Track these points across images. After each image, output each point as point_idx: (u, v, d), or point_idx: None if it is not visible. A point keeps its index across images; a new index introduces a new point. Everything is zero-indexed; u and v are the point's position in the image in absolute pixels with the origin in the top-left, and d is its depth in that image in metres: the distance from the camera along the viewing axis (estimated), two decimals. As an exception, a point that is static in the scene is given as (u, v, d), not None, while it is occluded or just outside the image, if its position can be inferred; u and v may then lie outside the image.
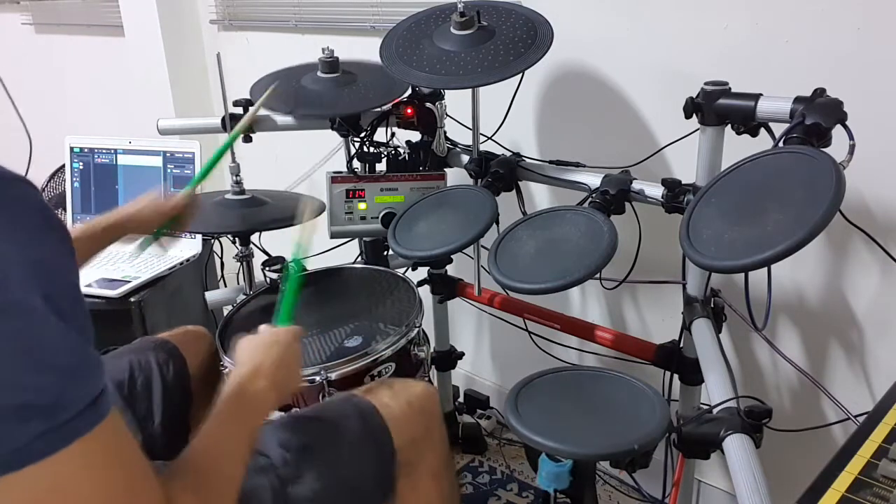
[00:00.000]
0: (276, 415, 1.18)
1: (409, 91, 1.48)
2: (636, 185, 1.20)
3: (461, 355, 1.79)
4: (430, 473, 1.08)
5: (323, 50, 1.49)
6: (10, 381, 0.51)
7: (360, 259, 1.65)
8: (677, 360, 1.27)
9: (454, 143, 1.52)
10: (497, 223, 1.25)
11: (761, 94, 1.03)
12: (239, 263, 1.52)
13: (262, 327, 0.94)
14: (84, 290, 0.79)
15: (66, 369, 0.54)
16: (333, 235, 1.49)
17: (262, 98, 1.38)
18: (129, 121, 2.56)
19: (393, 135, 1.54)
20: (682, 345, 1.27)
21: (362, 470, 0.97)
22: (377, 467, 0.98)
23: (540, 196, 1.67)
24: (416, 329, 1.28)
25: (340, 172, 1.49)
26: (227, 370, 1.18)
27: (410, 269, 1.62)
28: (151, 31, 2.35)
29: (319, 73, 1.49)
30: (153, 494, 0.61)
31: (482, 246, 1.40)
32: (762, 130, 1.05)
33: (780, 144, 0.96)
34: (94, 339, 0.58)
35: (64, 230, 0.57)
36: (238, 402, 0.80)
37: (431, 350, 1.45)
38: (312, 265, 1.52)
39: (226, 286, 1.95)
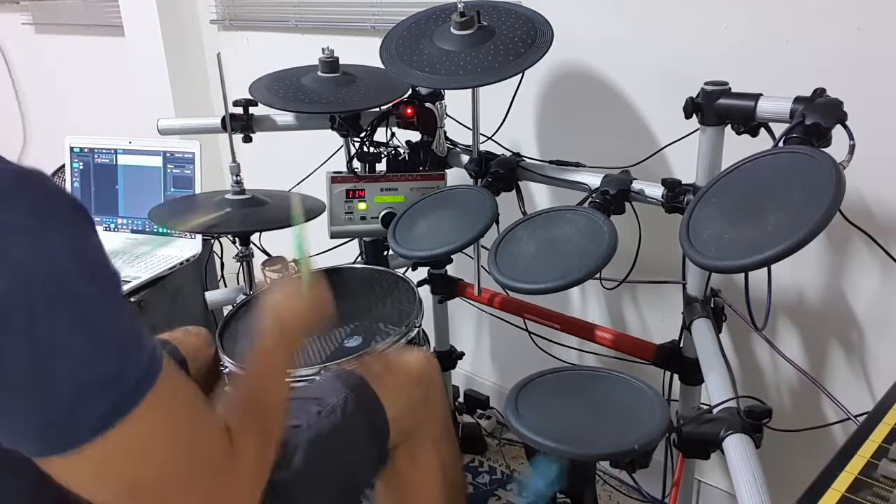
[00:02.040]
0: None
1: (409, 91, 1.48)
2: (636, 185, 1.20)
3: (461, 355, 1.79)
4: (430, 440, 1.08)
5: (323, 50, 1.49)
6: (84, 361, 0.56)
7: (360, 259, 1.65)
8: (677, 360, 1.27)
9: (454, 143, 1.52)
10: (497, 223, 1.25)
11: (761, 94, 1.03)
12: (239, 263, 1.52)
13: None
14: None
15: (124, 339, 0.59)
16: (333, 235, 1.49)
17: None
18: (129, 121, 2.56)
19: (393, 135, 1.54)
20: (682, 345, 1.27)
21: (353, 447, 0.97)
22: (369, 442, 0.98)
23: (540, 196, 1.67)
24: (416, 329, 1.28)
25: (340, 172, 1.49)
26: (227, 370, 1.18)
27: (410, 269, 1.62)
28: (151, 31, 2.34)
29: (319, 73, 1.49)
30: (218, 432, 0.67)
31: (482, 246, 1.40)
32: (762, 130, 1.05)
33: (780, 144, 0.96)
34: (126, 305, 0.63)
35: (85, 210, 0.61)
36: (278, 334, 0.85)
37: (431, 350, 1.45)
38: (312, 265, 1.52)
39: (226, 286, 1.95)
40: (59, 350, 0.55)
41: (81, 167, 1.83)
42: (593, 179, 1.25)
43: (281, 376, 0.84)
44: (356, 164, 1.54)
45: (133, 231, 1.82)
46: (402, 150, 1.53)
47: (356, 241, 1.63)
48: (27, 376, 0.54)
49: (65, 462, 0.57)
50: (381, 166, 1.53)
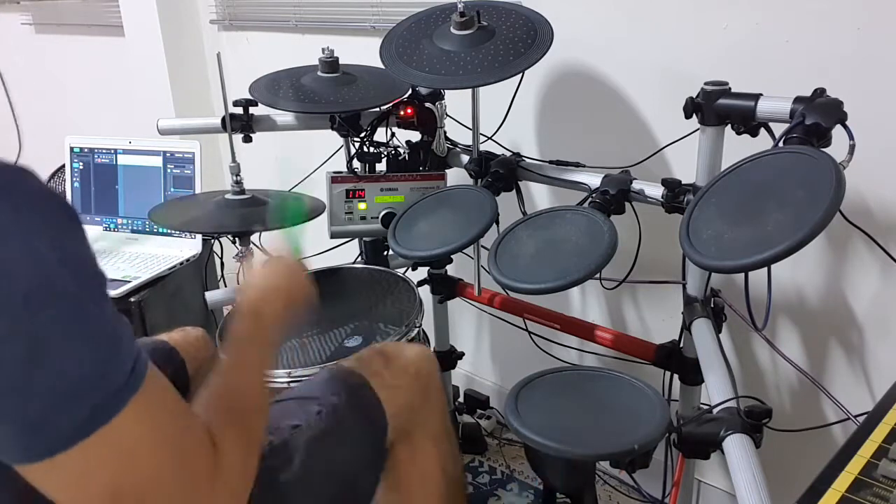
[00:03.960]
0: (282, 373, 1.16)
1: (409, 91, 1.48)
2: (636, 185, 1.20)
3: (461, 355, 1.79)
4: (429, 437, 1.08)
5: (323, 50, 1.49)
6: (66, 362, 0.55)
7: (360, 259, 1.65)
8: (677, 360, 1.27)
9: (454, 143, 1.52)
10: (497, 223, 1.25)
11: (761, 94, 1.03)
12: (239, 263, 1.52)
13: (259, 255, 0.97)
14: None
15: (109, 341, 0.59)
16: (333, 235, 1.49)
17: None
18: (129, 121, 2.56)
19: (393, 135, 1.54)
20: (682, 345, 1.27)
21: (354, 448, 0.96)
22: (370, 442, 0.98)
23: (540, 196, 1.67)
24: (416, 329, 1.28)
25: (340, 172, 1.49)
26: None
27: (410, 269, 1.62)
28: (151, 31, 2.35)
29: (319, 73, 1.49)
30: (202, 434, 0.66)
31: (482, 246, 1.40)
32: (762, 130, 1.05)
33: (780, 144, 0.96)
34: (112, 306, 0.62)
35: (71, 209, 0.60)
36: (255, 326, 0.84)
37: (431, 350, 1.44)
38: (312, 265, 1.52)
39: (226, 286, 1.95)
40: (42, 351, 0.54)
41: (81, 167, 1.83)
42: (593, 179, 1.25)
43: (259, 373, 0.81)
44: (356, 164, 1.54)
45: (133, 231, 1.82)
46: (402, 150, 1.53)
47: (356, 241, 1.63)
48: (8, 379, 0.53)
49: (46, 468, 0.56)
50: (381, 166, 1.53)
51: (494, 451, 1.88)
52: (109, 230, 1.83)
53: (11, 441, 0.56)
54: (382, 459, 1.02)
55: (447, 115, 1.49)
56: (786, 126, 0.98)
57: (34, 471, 0.57)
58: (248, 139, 1.59)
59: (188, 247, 1.76)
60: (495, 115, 1.47)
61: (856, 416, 1.08)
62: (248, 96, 1.51)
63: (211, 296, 1.71)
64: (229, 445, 0.69)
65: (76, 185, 1.83)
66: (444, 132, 1.48)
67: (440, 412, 1.11)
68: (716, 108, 1.06)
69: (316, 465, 0.91)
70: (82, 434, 0.56)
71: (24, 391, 0.54)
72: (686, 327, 1.20)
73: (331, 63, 1.49)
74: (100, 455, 0.57)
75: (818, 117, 0.94)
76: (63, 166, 1.88)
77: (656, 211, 1.18)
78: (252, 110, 1.57)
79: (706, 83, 1.07)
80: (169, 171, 1.76)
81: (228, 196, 1.43)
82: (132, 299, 1.58)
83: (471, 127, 1.41)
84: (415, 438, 1.05)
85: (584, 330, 1.45)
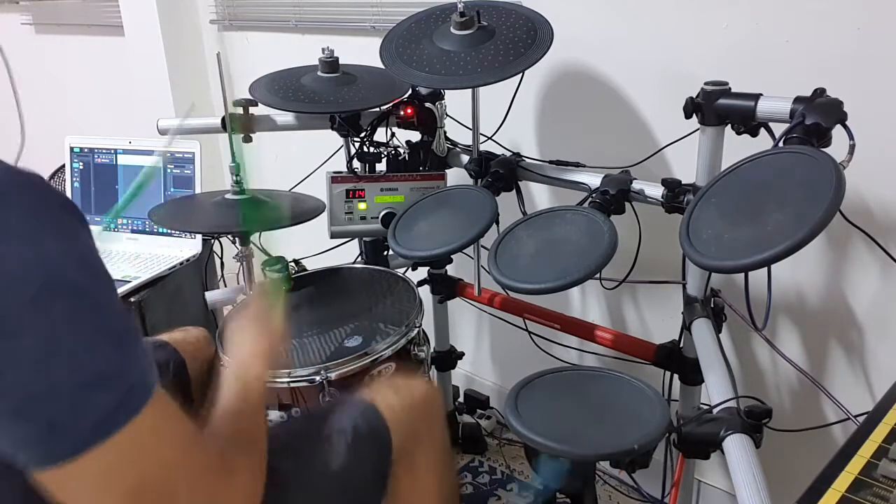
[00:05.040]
0: (276, 415, 1.18)
1: (409, 91, 1.48)
2: (636, 185, 1.20)
3: (461, 355, 1.79)
4: (431, 470, 1.08)
5: (323, 50, 1.49)
6: (85, 355, 0.56)
7: (360, 259, 1.65)
8: (677, 360, 1.27)
9: (454, 143, 1.52)
10: (497, 223, 1.25)
11: (761, 94, 1.03)
12: (239, 263, 1.52)
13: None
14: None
15: (124, 342, 0.59)
16: (333, 235, 1.49)
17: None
18: (129, 121, 2.56)
19: (393, 135, 1.54)
20: (682, 345, 1.27)
21: (362, 470, 0.97)
22: (376, 466, 0.99)
23: (540, 196, 1.67)
24: (416, 329, 1.28)
25: (340, 172, 1.49)
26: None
27: (410, 269, 1.62)
28: (151, 31, 2.34)
29: (319, 73, 1.49)
30: (208, 443, 0.68)
31: (482, 246, 1.40)
32: (762, 130, 1.05)
33: (780, 144, 0.96)
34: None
35: (79, 212, 0.61)
36: (244, 386, 0.85)
37: (431, 350, 1.45)
38: (312, 265, 1.52)
39: (226, 286, 1.95)
40: (58, 346, 0.54)
41: (81, 167, 1.83)
42: (593, 179, 1.25)
43: (258, 413, 0.83)
44: (356, 164, 1.54)
45: (133, 231, 1.82)
46: (402, 150, 1.53)
47: (356, 241, 1.63)
48: (27, 375, 0.53)
49: (67, 472, 0.55)
50: (381, 166, 1.53)
51: (494, 451, 1.88)
52: (109, 230, 1.83)
53: (33, 444, 0.55)
54: (385, 482, 1.02)
55: (447, 115, 1.49)
56: (786, 126, 0.98)
57: (54, 476, 0.56)
58: (248, 139, 1.59)
59: (188, 247, 1.76)
60: (495, 115, 1.47)
61: (856, 416, 1.08)
62: (248, 96, 1.51)
63: (211, 296, 1.71)
64: (240, 463, 0.70)
65: (76, 185, 1.83)
66: (444, 132, 1.48)
67: (442, 447, 1.12)
68: (716, 108, 1.06)
69: (324, 482, 0.92)
70: (107, 430, 0.56)
71: (44, 387, 0.54)
72: (686, 327, 1.20)
73: (331, 63, 1.49)
74: (122, 453, 0.58)
75: (818, 117, 0.94)
76: (63, 166, 1.88)
77: (656, 211, 1.18)
78: (252, 110, 1.57)
79: (706, 83, 1.07)
80: (169, 171, 1.76)
81: (228, 196, 1.43)
82: (132, 299, 1.58)
83: (471, 127, 1.41)
84: (417, 471, 1.06)
85: (584, 330, 1.45)
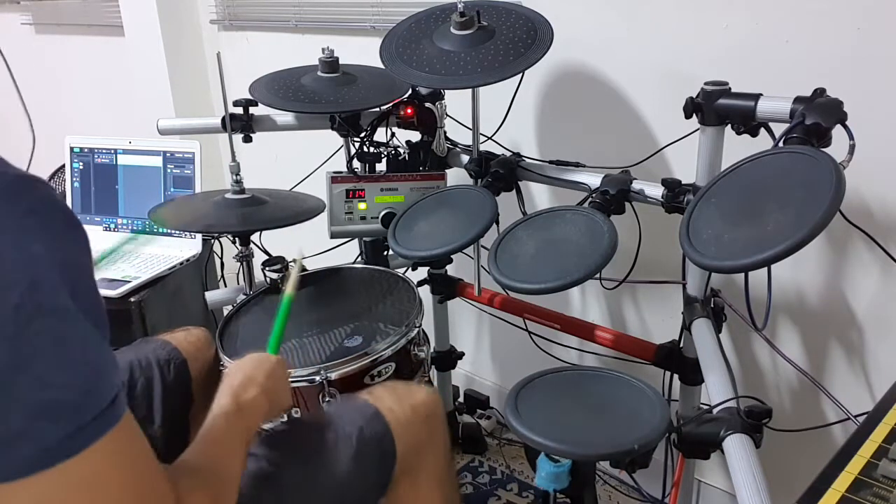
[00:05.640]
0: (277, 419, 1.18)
1: (409, 91, 1.48)
2: (636, 185, 1.20)
3: (461, 355, 1.79)
4: (433, 478, 1.08)
5: (323, 50, 1.49)
6: (43, 379, 0.53)
7: (360, 259, 1.65)
8: (677, 360, 1.27)
9: (454, 143, 1.52)
10: (497, 223, 1.25)
11: (761, 94, 1.03)
12: (239, 263, 1.52)
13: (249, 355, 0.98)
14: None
15: (92, 367, 0.57)
16: (333, 235, 1.49)
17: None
18: (129, 121, 2.56)
19: (393, 135, 1.54)
20: (682, 345, 1.27)
21: (364, 478, 0.97)
22: (378, 472, 0.98)
23: (540, 196, 1.67)
24: (416, 329, 1.28)
25: (340, 172, 1.49)
26: (227, 371, 1.18)
27: (410, 269, 1.62)
28: (151, 31, 2.35)
29: (319, 73, 1.49)
30: (167, 488, 0.64)
31: (482, 246, 1.40)
32: (762, 130, 1.05)
33: (780, 144, 0.96)
34: (109, 337, 0.60)
35: (81, 227, 0.59)
36: (232, 407, 0.84)
37: (431, 350, 1.45)
38: (312, 265, 1.52)
39: (226, 286, 1.95)
40: (27, 360, 0.52)
41: (81, 167, 1.83)
42: (593, 179, 1.25)
43: (236, 449, 0.81)
44: (356, 164, 1.54)
45: (133, 231, 1.82)
46: (402, 150, 1.53)
47: (356, 241, 1.63)
48: None
49: (5, 490, 0.53)
50: (381, 166, 1.53)
51: (494, 451, 1.88)
52: (109, 230, 1.83)
53: None
54: (385, 492, 1.02)
55: (447, 115, 1.49)
56: (786, 126, 0.97)
57: None
58: (248, 139, 1.59)
59: (188, 247, 1.76)
60: (495, 115, 1.47)
61: (856, 416, 1.08)
62: (248, 96, 1.51)
63: (211, 296, 1.72)
64: (193, 501, 0.67)
65: (76, 185, 1.83)
66: (444, 132, 1.48)
67: (444, 455, 1.11)
68: (716, 108, 1.06)
69: (327, 487, 0.92)
70: (47, 462, 0.54)
71: (4, 397, 0.52)
72: (686, 327, 1.20)
73: (331, 63, 1.49)
74: (59, 488, 0.55)
75: (818, 117, 0.94)
76: (63, 166, 1.88)
77: (656, 211, 1.18)
78: (252, 110, 1.57)
79: (706, 83, 1.07)
80: (169, 171, 1.76)
81: (228, 196, 1.43)
82: (132, 299, 1.58)
83: (471, 127, 1.41)
84: (418, 478, 1.05)
85: (584, 330, 1.45)
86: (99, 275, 1.66)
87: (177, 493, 0.65)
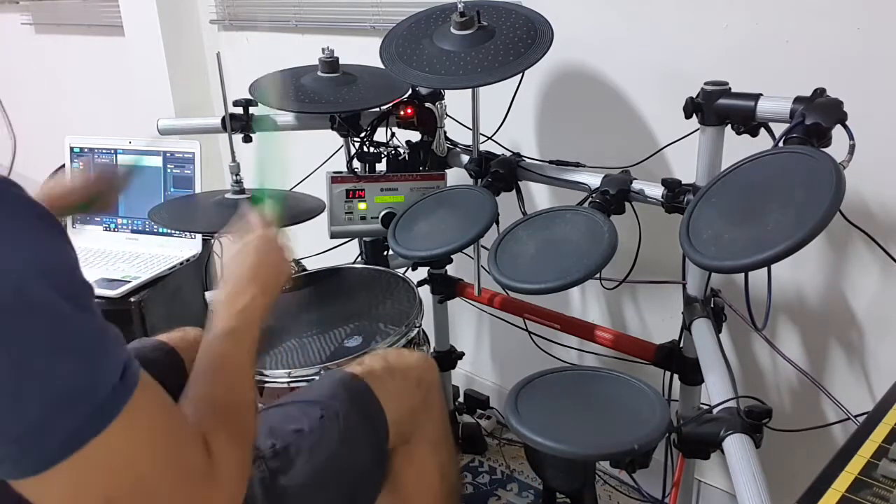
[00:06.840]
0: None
1: (409, 91, 1.48)
2: (636, 185, 1.20)
3: (461, 355, 1.79)
4: (429, 443, 1.08)
5: (323, 50, 1.49)
6: (51, 373, 0.54)
7: (360, 259, 1.65)
8: (677, 360, 1.27)
9: (454, 143, 1.52)
10: (497, 223, 1.25)
11: (761, 94, 1.03)
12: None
13: (236, 229, 0.95)
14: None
15: (95, 350, 0.58)
16: (333, 235, 1.49)
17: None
18: (129, 121, 2.56)
19: (393, 135, 1.54)
20: (682, 345, 1.27)
21: (356, 451, 0.97)
22: (371, 446, 0.98)
23: (540, 196, 1.67)
24: (416, 329, 1.28)
25: (340, 172, 1.49)
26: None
27: (410, 269, 1.62)
28: (151, 31, 2.35)
29: (319, 73, 1.49)
30: (195, 437, 0.66)
31: (482, 246, 1.40)
32: (762, 130, 1.05)
33: (780, 144, 0.96)
34: (100, 312, 0.61)
35: (54, 219, 0.59)
36: (232, 322, 0.83)
37: (431, 350, 1.45)
38: (312, 265, 1.52)
39: (226, 286, 1.94)
40: (26, 363, 0.53)
41: (81, 167, 1.83)
42: (593, 179, 1.25)
43: (245, 369, 0.81)
44: (356, 164, 1.54)
45: (133, 231, 1.82)
46: (402, 150, 1.53)
47: (356, 241, 1.63)
48: None
49: (39, 482, 0.55)
50: (381, 166, 1.53)
51: (494, 451, 1.88)
52: (109, 230, 1.83)
53: (3, 456, 0.55)
54: (384, 464, 1.02)
55: (447, 115, 1.49)
56: (786, 126, 0.97)
57: (28, 485, 0.56)
58: (248, 139, 1.59)
59: (188, 247, 1.76)
60: (495, 115, 1.47)
61: (856, 416, 1.08)
62: (248, 96, 1.51)
63: (211, 296, 1.71)
64: (224, 448, 0.68)
65: (76, 185, 1.83)
66: (444, 132, 1.48)
67: (440, 419, 1.11)
68: (716, 108, 1.06)
69: (318, 469, 0.91)
70: (74, 446, 0.55)
71: (14, 401, 0.53)
72: (686, 327, 1.20)
73: (331, 63, 1.49)
74: (92, 466, 0.57)
75: (818, 117, 0.94)
76: (63, 166, 1.88)
77: (656, 211, 1.18)
78: (252, 110, 1.57)
79: (706, 83, 1.07)
80: (169, 171, 1.76)
81: (228, 196, 1.43)
82: (132, 299, 1.58)
83: (471, 127, 1.41)
84: (414, 445, 1.05)
85: (584, 330, 1.45)
86: (99, 272, 1.67)
87: (205, 439, 0.67)
